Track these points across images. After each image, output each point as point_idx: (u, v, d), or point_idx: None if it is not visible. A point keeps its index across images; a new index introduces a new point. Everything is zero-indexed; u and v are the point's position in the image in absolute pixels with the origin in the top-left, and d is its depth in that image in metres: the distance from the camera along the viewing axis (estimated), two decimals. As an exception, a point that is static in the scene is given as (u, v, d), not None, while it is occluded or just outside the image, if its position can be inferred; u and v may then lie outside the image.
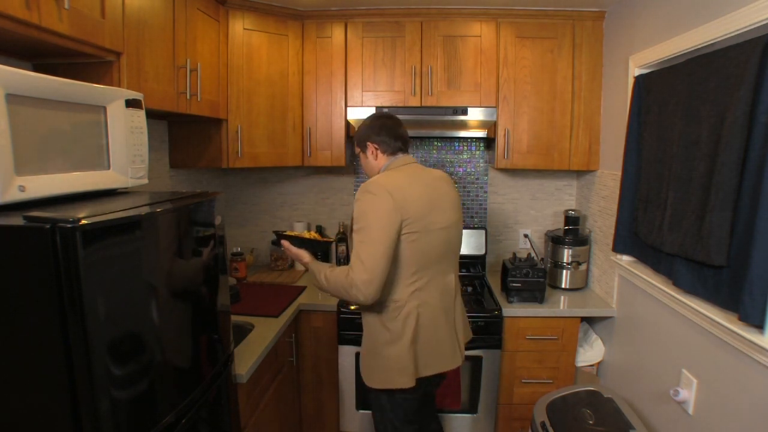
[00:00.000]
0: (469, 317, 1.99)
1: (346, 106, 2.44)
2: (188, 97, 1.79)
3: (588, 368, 2.30)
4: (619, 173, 2.05)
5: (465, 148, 2.78)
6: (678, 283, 1.60)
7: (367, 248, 1.48)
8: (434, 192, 1.61)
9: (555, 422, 1.77)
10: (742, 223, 1.32)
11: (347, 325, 2.21)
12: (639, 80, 1.91)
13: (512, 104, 2.38)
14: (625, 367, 2.10)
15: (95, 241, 0.87)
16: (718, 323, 1.41)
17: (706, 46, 1.53)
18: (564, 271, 2.45)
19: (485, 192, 2.80)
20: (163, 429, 1.08)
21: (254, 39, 2.27)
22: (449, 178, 1.75)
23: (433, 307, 1.60)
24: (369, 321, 1.64)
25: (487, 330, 2.19)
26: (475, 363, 2.21)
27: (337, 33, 2.40)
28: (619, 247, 2.04)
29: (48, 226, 0.82)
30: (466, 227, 2.72)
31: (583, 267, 2.45)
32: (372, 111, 2.41)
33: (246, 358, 1.65)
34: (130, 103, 1.27)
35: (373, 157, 1.69)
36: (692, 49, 1.59)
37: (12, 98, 0.92)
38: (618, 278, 2.18)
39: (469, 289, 2.49)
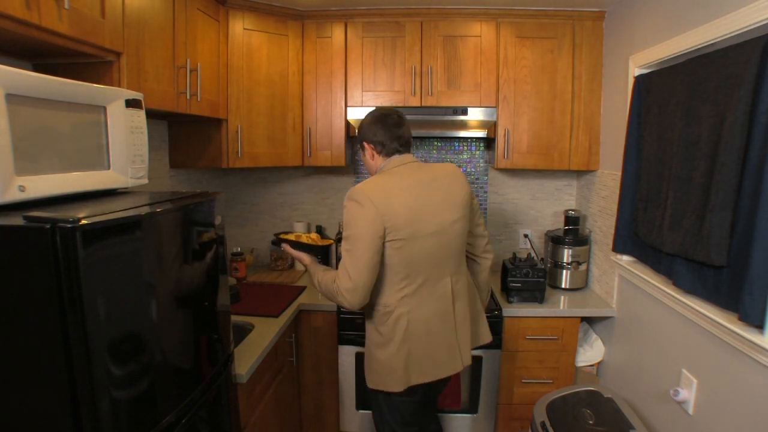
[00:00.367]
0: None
1: (346, 106, 2.43)
2: (188, 97, 1.79)
3: (588, 368, 2.30)
4: (619, 173, 2.05)
5: (465, 148, 2.78)
6: (678, 283, 1.60)
7: (351, 257, 1.49)
8: (428, 195, 1.55)
9: (555, 422, 1.77)
10: (742, 223, 1.32)
11: (347, 325, 2.21)
12: (639, 80, 1.91)
13: (512, 104, 2.38)
14: (625, 367, 2.10)
15: (95, 241, 0.87)
16: (718, 323, 1.41)
17: (706, 46, 1.53)
18: (564, 271, 2.45)
19: (485, 192, 2.80)
20: (163, 429, 1.08)
21: (254, 39, 2.27)
22: (458, 173, 1.66)
23: (426, 313, 1.57)
24: (367, 324, 1.66)
25: (487, 330, 2.19)
26: (475, 363, 2.21)
27: (337, 33, 2.40)
28: (619, 247, 2.04)
29: (48, 226, 0.82)
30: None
31: (583, 267, 2.45)
32: (372, 111, 2.41)
33: (246, 358, 1.65)
34: (130, 103, 1.27)
35: (371, 158, 1.66)
36: (692, 49, 1.59)
37: (12, 98, 0.92)
38: (618, 278, 2.18)
39: (469, 289, 2.49)
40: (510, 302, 2.28)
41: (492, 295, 2.35)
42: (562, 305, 2.27)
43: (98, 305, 0.88)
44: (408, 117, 2.34)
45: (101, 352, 0.89)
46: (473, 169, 2.79)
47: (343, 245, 1.52)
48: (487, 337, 1.79)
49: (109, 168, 1.23)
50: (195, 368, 1.25)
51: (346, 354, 2.24)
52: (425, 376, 1.59)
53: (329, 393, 2.34)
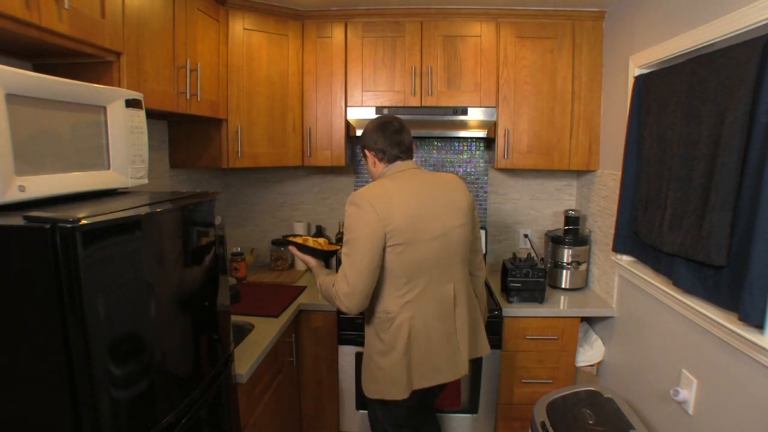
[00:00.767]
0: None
1: (346, 106, 2.44)
2: (188, 97, 1.79)
3: (588, 368, 2.30)
4: (619, 173, 2.05)
5: (465, 148, 2.78)
6: (678, 283, 1.60)
7: (350, 262, 1.49)
8: (430, 199, 1.56)
9: (555, 422, 1.77)
10: (742, 223, 1.32)
11: (347, 325, 2.21)
12: (639, 80, 1.91)
13: (512, 104, 2.38)
14: (625, 367, 2.10)
15: (95, 241, 0.87)
16: (718, 323, 1.41)
17: (706, 46, 1.53)
18: (564, 271, 2.45)
19: (485, 192, 2.80)
20: (164, 429, 1.08)
21: (254, 39, 2.27)
22: (459, 182, 1.68)
23: (428, 319, 1.57)
24: (366, 330, 1.66)
25: (487, 330, 2.17)
26: (475, 363, 2.21)
27: (337, 33, 2.40)
28: (619, 247, 2.04)
29: (48, 226, 0.82)
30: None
31: (583, 267, 2.45)
32: (372, 111, 2.41)
33: (246, 358, 1.65)
34: (130, 103, 1.27)
35: (372, 165, 1.68)
36: (692, 49, 1.59)
37: (12, 98, 0.92)
38: (618, 278, 2.18)
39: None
40: (510, 302, 2.28)
41: (492, 295, 2.36)
42: (562, 305, 2.27)
43: (98, 305, 0.88)
44: (408, 117, 2.37)
45: (101, 352, 0.89)
46: (473, 169, 2.79)
47: (343, 249, 1.53)
48: (485, 349, 1.77)
49: (109, 168, 1.23)
50: (195, 368, 1.25)
51: (346, 354, 2.24)
52: (426, 381, 1.59)
53: (329, 393, 2.34)
